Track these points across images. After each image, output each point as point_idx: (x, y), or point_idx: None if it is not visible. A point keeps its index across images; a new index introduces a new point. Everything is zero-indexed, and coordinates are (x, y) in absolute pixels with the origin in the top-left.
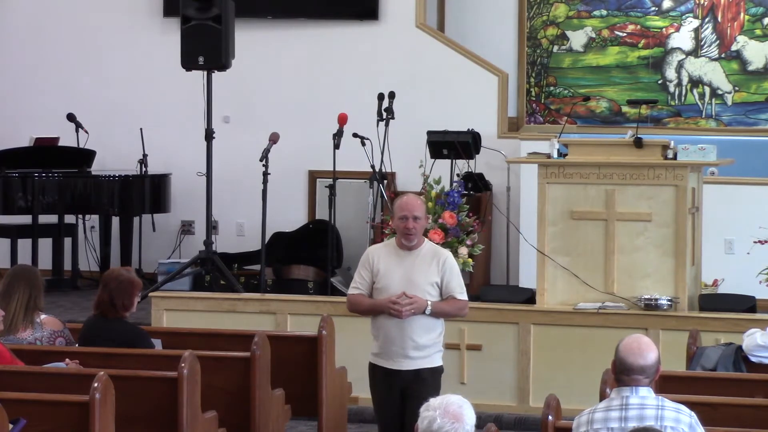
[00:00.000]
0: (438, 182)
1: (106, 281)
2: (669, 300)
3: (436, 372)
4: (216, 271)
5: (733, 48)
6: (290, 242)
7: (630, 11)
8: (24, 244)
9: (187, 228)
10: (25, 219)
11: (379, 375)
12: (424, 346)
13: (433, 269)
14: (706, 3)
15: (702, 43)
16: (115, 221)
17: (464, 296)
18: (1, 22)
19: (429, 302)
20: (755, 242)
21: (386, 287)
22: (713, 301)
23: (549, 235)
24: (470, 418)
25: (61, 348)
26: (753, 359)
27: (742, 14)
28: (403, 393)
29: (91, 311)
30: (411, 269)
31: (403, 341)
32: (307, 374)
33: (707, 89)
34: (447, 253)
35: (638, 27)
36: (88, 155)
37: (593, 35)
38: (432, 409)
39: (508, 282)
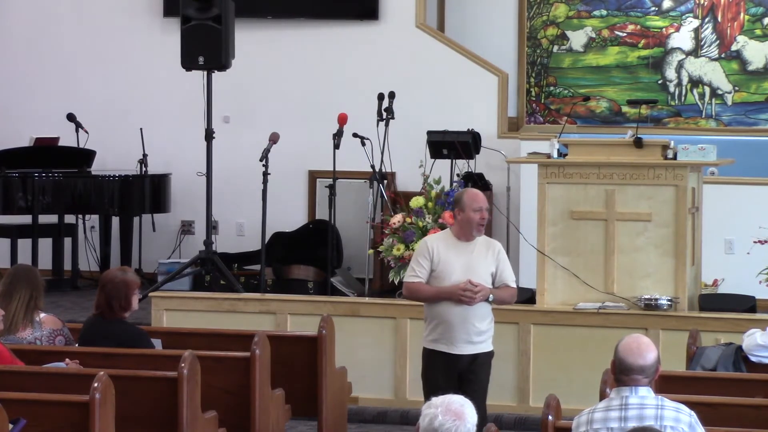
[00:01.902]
0: (438, 182)
1: (102, 284)
2: (669, 300)
3: (490, 356)
4: (216, 271)
5: (733, 48)
6: (290, 242)
7: (630, 11)
8: (24, 244)
9: (187, 228)
10: (25, 219)
11: (439, 360)
12: (483, 331)
13: (490, 259)
14: (706, 3)
15: (702, 43)
16: (115, 221)
17: (515, 284)
18: (2, 22)
19: (491, 290)
20: (755, 242)
21: (448, 276)
22: (713, 301)
23: (549, 235)
24: (471, 416)
25: (61, 348)
26: (753, 359)
27: (742, 14)
28: (460, 376)
29: (91, 311)
30: (471, 259)
31: (466, 327)
32: (307, 374)
33: (707, 89)
34: (498, 244)
35: (638, 27)
36: (88, 155)
37: (593, 35)
38: (434, 407)
39: None
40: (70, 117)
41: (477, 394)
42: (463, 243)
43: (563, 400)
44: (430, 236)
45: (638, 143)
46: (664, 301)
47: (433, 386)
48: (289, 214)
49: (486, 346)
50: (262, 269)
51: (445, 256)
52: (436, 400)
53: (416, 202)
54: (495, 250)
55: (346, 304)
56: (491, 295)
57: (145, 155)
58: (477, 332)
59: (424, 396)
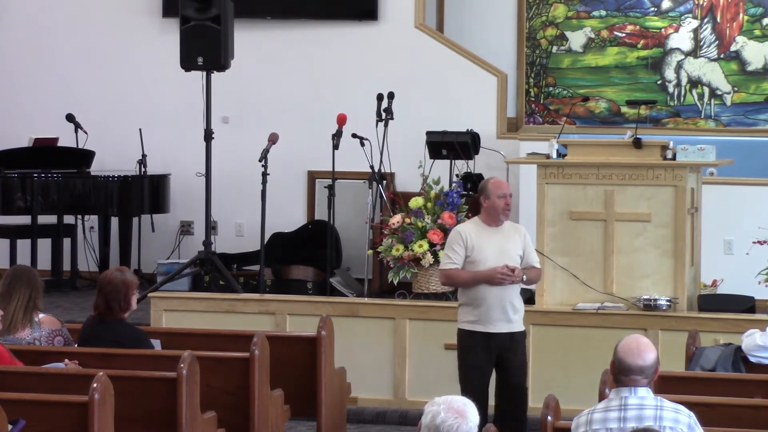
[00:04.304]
0: (437, 183)
1: (100, 286)
2: (668, 300)
3: (524, 335)
4: (215, 272)
5: (732, 48)
6: (289, 242)
7: (629, 12)
8: (23, 245)
9: (186, 228)
10: (25, 219)
11: (478, 339)
12: (518, 309)
13: (518, 243)
14: (705, 3)
15: (701, 43)
16: (115, 221)
17: (539, 265)
18: (1, 22)
19: (523, 271)
20: (754, 243)
21: (483, 261)
22: (712, 302)
23: (548, 236)
24: (474, 416)
25: (60, 348)
26: (752, 359)
27: (741, 15)
28: (498, 357)
29: (90, 312)
30: (502, 243)
31: (503, 306)
32: (306, 374)
33: (706, 90)
34: (523, 228)
35: (637, 27)
36: (88, 155)
37: (592, 36)
38: (436, 405)
39: None
40: (70, 117)
41: (519, 373)
42: (492, 228)
43: (562, 400)
44: (461, 225)
45: (637, 144)
46: (663, 302)
47: (469, 366)
48: (289, 215)
49: (520, 326)
50: (261, 269)
51: (478, 242)
52: (438, 399)
53: (415, 202)
54: (521, 233)
55: (345, 304)
56: (524, 277)
57: (144, 155)
58: (514, 310)
59: (459, 379)
